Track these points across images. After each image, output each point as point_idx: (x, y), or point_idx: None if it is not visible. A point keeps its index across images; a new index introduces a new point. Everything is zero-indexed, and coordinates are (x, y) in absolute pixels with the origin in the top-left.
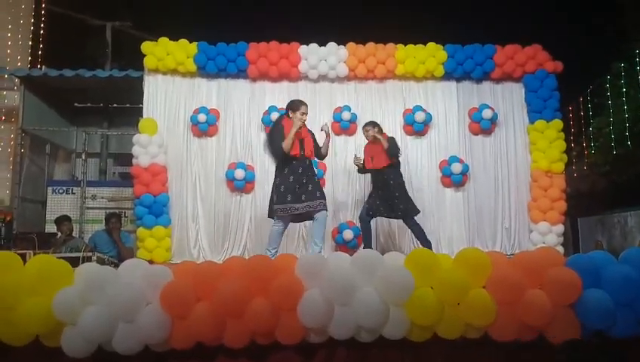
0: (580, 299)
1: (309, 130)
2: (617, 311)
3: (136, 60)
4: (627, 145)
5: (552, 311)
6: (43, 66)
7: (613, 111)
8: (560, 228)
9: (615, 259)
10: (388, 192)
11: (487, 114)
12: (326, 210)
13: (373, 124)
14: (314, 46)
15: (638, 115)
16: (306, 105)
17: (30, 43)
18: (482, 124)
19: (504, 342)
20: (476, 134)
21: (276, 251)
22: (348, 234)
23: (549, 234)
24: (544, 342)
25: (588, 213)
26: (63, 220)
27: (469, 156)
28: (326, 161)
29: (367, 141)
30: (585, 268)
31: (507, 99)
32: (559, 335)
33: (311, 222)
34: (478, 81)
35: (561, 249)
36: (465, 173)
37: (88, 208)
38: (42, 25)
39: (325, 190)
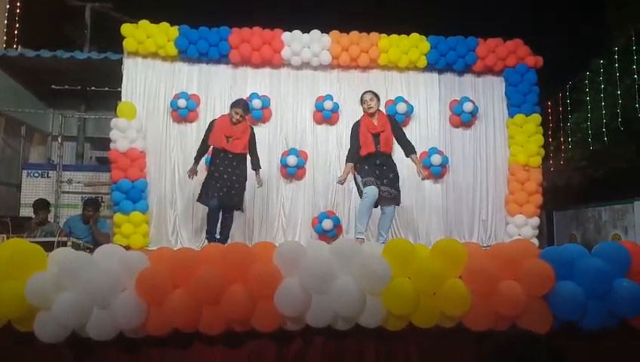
0: (553, 291)
1: (389, 116)
2: (589, 303)
3: (115, 43)
4: (604, 141)
5: (526, 301)
6: (19, 46)
7: (591, 107)
8: (535, 221)
9: (588, 252)
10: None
11: (467, 107)
12: (397, 205)
13: (244, 108)
14: (297, 33)
15: (615, 112)
16: (364, 94)
17: (6, 22)
18: (463, 117)
19: (478, 332)
20: (456, 127)
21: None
22: (327, 224)
23: (524, 227)
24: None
25: (563, 206)
26: (39, 208)
27: (449, 148)
28: (307, 149)
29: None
30: (558, 260)
31: (488, 93)
32: (531, 325)
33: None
34: (460, 73)
35: (536, 241)
36: (444, 165)
37: (64, 192)
38: (19, 4)
39: (305, 179)
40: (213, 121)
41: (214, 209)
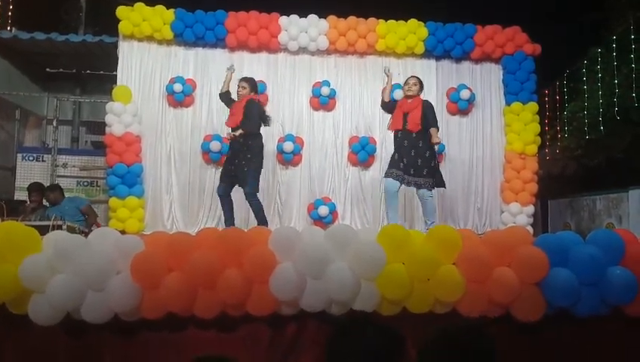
0: (547, 277)
1: (425, 101)
2: (582, 290)
3: (111, 26)
4: (600, 131)
5: (519, 288)
6: (13, 28)
7: (587, 96)
8: (530, 209)
9: (582, 239)
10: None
11: (464, 94)
12: (429, 189)
13: (248, 80)
14: (294, 17)
15: (612, 101)
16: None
17: (0, 3)
18: (460, 105)
19: (471, 318)
20: (453, 114)
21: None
22: (323, 210)
23: (519, 215)
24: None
25: (558, 195)
26: (33, 191)
27: (446, 136)
28: (303, 136)
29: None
30: (552, 247)
31: (485, 80)
32: (525, 312)
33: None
34: (458, 60)
35: (530, 230)
36: (440, 152)
37: (59, 176)
38: None
39: (302, 165)
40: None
41: (220, 194)
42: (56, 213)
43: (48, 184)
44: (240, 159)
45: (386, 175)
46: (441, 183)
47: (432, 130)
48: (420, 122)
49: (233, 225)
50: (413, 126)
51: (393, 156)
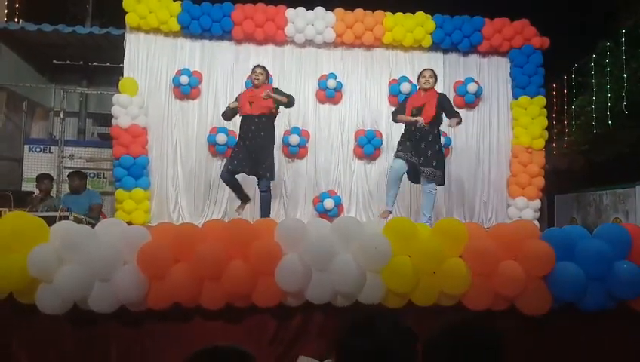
0: (553, 271)
1: (440, 94)
2: (588, 284)
3: (117, 18)
4: (607, 125)
5: (525, 282)
6: (20, 20)
7: (596, 90)
8: (537, 203)
9: (589, 233)
10: (255, 144)
11: (472, 88)
12: (435, 182)
13: (264, 68)
14: (301, 9)
15: (620, 95)
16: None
17: None
18: (467, 98)
19: (477, 311)
20: (460, 108)
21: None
22: (329, 203)
23: (525, 210)
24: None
25: (565, 190)
26: (42, 178)
27: (452, 129)
28: (309, 128)
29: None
30: (559, 241)
31: (492, 74)
32: (530, 306)
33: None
34: (465, 53)
35: (536, 224)
36: (447, 146)
37: (66, 168)
38: None
39: (307, 158)
40: (238, 95)
41: (226, 176)
42: (73, 201)
43: (55, 175)
44: (259, 146)
45: (397, 155)
46: (443, 181)
47: (453, 121)
48: (434, 115)
49: (249, 200)
50: (425, 118)
51: (404, 142)
